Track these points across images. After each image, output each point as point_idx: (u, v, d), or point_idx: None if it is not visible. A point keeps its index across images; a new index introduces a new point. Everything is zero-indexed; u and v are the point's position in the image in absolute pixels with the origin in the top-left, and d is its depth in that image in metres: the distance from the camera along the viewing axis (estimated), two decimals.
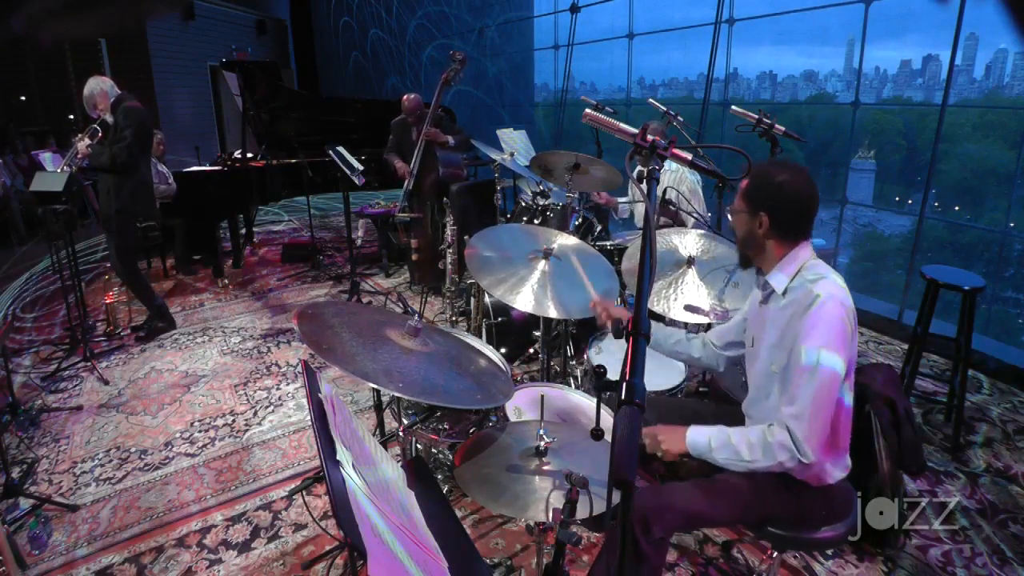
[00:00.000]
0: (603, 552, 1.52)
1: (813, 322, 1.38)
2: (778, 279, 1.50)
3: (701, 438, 1.49)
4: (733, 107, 2.79)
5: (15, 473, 2.58)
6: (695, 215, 2.87)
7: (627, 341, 0.86)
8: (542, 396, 1.55)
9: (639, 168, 1.18)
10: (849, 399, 1.47)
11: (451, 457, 1.91)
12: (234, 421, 3.01)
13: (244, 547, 2.18)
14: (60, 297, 4.36)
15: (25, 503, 2.37)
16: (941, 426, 2.84)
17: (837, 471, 1.49)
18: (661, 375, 2.24)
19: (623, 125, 1.34)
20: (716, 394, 2.51)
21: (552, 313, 2.01)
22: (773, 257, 1.51)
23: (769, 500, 1.48)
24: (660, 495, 1.50)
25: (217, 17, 11.04)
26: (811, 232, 1.51)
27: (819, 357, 1.36)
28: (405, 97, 4.59)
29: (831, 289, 1.40)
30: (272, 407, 3.13)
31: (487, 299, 3.15)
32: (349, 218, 4.66)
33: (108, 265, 4.33)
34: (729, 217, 1.63)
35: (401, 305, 2.09)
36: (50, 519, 2.31)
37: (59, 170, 3.56)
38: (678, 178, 3.31)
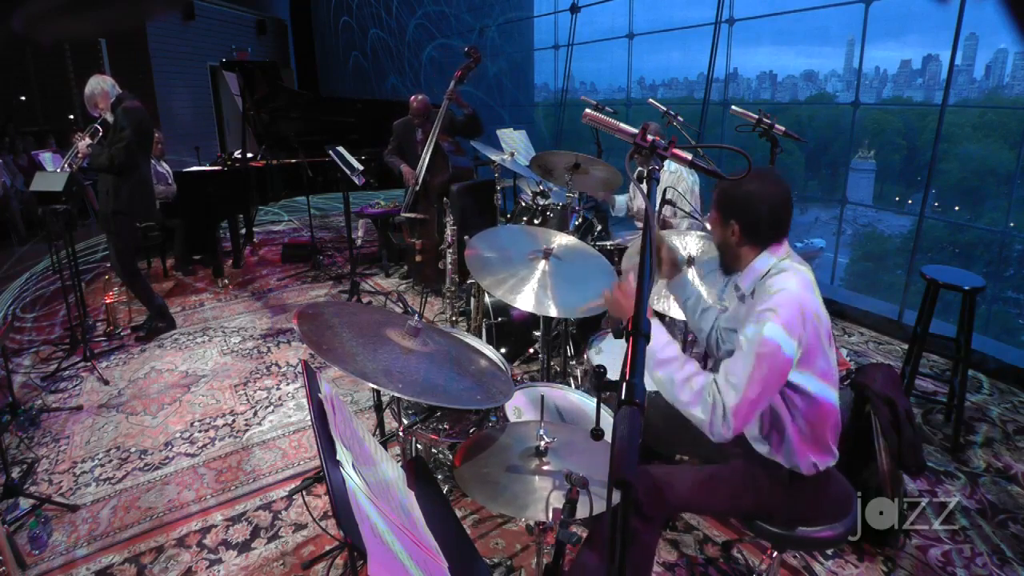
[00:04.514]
0: (590, 540, 1.52)
1: (765, 309, 1.37)
2: (747, 280, 1.52)
3: (659, 337, 1.44)
4: (733, 107, 2.79)
5: (15, 473, 2.58)
6: (694, 215, 2.87)
7: (627, 341, 0.86)
8: (542, 396, 1.55)
9: (639, 168, 1.18)
10: (833, 398, 1.46)
11: (451, 457, 1.90)
12: (234, 421, 3.01)
13: (244, 547, 2.18)
14: (60, 297, 4.36)
15: (25, 503, 2.37)
16: (941, 426, 2.84)
17: (824, 462, 1.49)
18: None
19: (623, 125, 1.34)
20: None
21: (552, 313, 2.01)
22: (748, 261, 1.53)
23: (762, 493, 1.49)
24: (652, 476, 1.51)
25: (217, 17, 11.04)
26: (785, 234, 1.52)
27: (763, 329, 1.34)
28: (413, 98, 4.54)
29: (790, 282, 1.40)
30: (272, 407, 3.13)
31: (487, 299, 3.15)
32: (349, 218, 4.66)
33: (108, 265, 4.33)
34: (707, 225, 1.64)
35: (401, 305, 2.09)
36: (50, 519, 2.31)
37: (59, 170, 3.56)
38: (675, 178, 3.30)
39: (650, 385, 1.54)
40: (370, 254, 5.73)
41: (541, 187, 3.42)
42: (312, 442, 2.80)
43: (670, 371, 1.40)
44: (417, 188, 4.26)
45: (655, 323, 1.45)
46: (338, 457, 1.03)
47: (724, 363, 1.40)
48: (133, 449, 2.79)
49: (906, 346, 3.23)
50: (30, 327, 4.33)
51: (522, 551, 2.10)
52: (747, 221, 1.49)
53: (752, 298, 1.50)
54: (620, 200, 3.68)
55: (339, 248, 6.23)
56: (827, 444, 1.49)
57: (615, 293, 1.50)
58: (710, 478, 1.53)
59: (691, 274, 2.20)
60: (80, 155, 3.46)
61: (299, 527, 2.27)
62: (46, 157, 6.13)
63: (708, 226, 1.63)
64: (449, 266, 3.42)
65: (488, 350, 2.11)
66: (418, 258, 4.43)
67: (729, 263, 1.60)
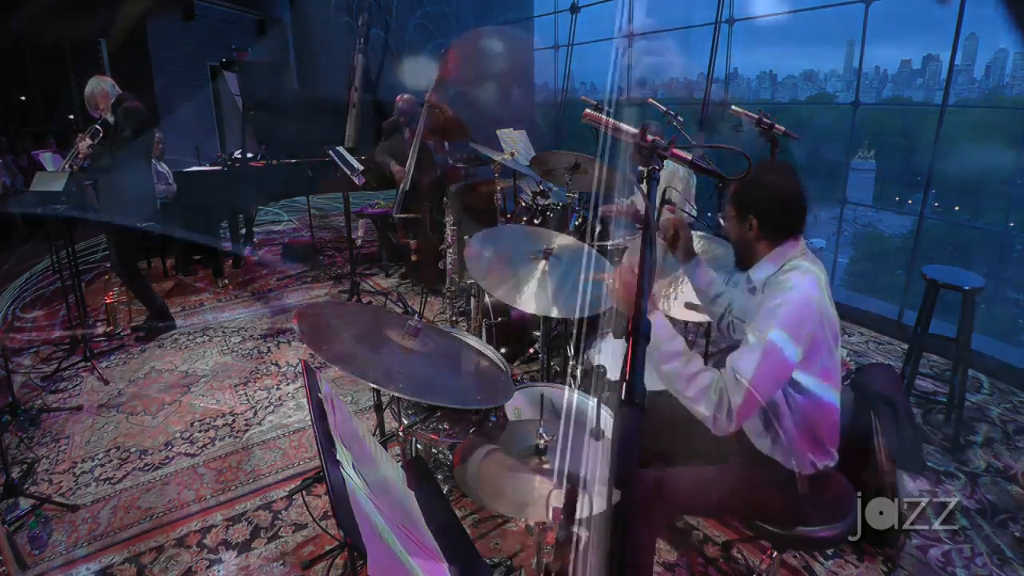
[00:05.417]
0: (590, 540, 1.52)
1: (774, 306, 1.39)
2: (760, 273, 1.52)
3: (662, 332, 1.42)
4: (733, 107, 2.79)
5: (15, 473, 2.58)
6: (692, 215, 2.87)
7: (627, 341, 0.86)
8: (542, 395, 1.55)
9: (639, 168, 1.17)
10: (834, 398, 1.47)
11: (451, 457, 1.90)
12: (234, 421, 3.01)
13: (244, 547, 2.18)
14: (60, 297, 4.36)
15: (25, 503, 2.37)
16: (941, 426, 2.84)
17: (822, 461, 1.49)
18: None
19: (623, 125, 1.34)
20: None
21: (552, 313, 2.01)
22: (763, 255, 1.53)
23: (761, 493, 1.49)
24: (652, 477, 1.52)
25: (217, 17, 11.02)
26: (802, 229, 1.52)
27: (768, 332, 1.36)
28: (399, 97, 4.56)
29: (800, 281, 1.40)
30: (272, 407, 3.13)
31: (487, 299, 3.15)
32: (349, 218, 4.65)
33: (108, 265, 4.33)
34: (722, 221, 1.64)
35: (401, 305, 2.09)
36: (50, 519, 2.31)
37: (59, 170, 3.56)
38: (671, 174, 3.28)
39: (651, 385, 1.54)
40: (370, 254, 5.72)
41: (541, 187, 3.42)
42: (312, 442, 2.80)
43: (675, 365, 1.40)
44: (406, 188, 4.26)
45: (661, 318, 1.45)
46: (338, 457, 1.03)
47: (731, 359, 1.41)
48: (133, 449, 2.79)
49: (906, 346, 3.23)
50: (30, 327, 4.33)
51: (522, 551, 2.10)
52: (766, 216, 1.49)
53: (763, 292, 1.50)
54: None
55: (339, 248, 6.22)
56: (824, 444, 1.49)
57: (616, 279, 1.45)
58: (710, 479, 1.53)
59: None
60: (81, 156, 3.46)
61: (299, 527, 2.26)
62: (46, 157, 6.12)
63: (722, 222, 1.63)
64: (449, 266, 3.42)
65: (488, 350, 2.11)
66: (414, 258, 4.43)
67: (746, 259, 1.59)
